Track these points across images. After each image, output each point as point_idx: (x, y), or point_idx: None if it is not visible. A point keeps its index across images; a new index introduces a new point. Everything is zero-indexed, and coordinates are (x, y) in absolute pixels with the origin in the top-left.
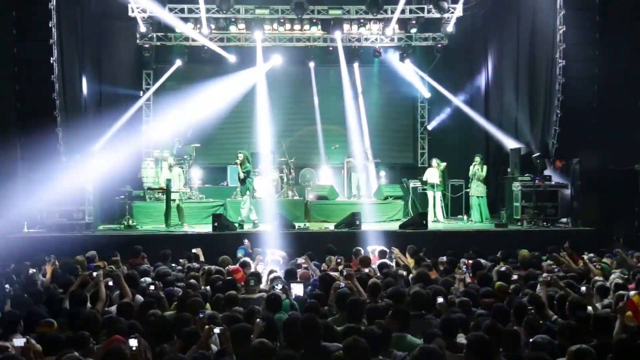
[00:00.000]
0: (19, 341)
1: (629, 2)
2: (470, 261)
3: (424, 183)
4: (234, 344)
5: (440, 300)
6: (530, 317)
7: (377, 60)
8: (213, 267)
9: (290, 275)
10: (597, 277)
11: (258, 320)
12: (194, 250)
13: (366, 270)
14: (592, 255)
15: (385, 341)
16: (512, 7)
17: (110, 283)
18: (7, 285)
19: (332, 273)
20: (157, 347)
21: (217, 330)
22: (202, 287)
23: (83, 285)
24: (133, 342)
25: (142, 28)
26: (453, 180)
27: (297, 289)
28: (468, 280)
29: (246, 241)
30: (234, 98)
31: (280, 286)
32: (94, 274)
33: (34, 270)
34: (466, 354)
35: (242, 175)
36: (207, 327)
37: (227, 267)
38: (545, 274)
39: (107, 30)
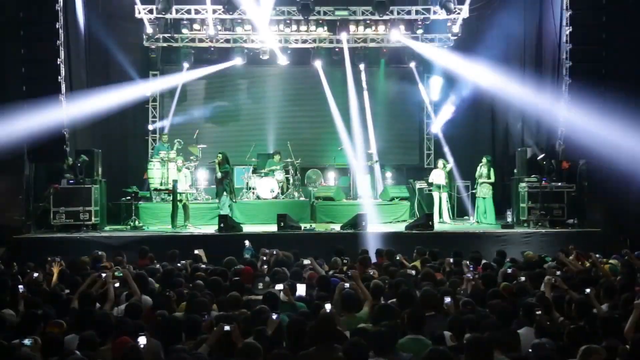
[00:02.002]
0: (26, 341)
1: (635, 1)
2: (473, 262)
3: (430, 184)
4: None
5: (447, 300)
6: (538, 318)
7: (383, 61)
8: (219, 267)
9: (296, 277)
10: (604, 279)
11: (274, 315)
12: (196, 251)
13: (371, 272)
14: (598, 256)
15: (391, 342)
16: (517, 8)
17: (117, 284)
18: (20, 287)
19: (337, 275)
20: (169, 346)
21: (227, 327)
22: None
23: (91, 286)
24: (142, 340)
25: (149, 29)
26: (459, 181)
27: (300, 290)
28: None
29: (247, 242)
30: (239, 99)
31: (281, 286)
32: (103, 274)
33: (37, 274)
34: (465, 354)
35: (219, 176)
36: (219, 324)
37: (235, 268)
38: (549, 276)
39: (114, 31)
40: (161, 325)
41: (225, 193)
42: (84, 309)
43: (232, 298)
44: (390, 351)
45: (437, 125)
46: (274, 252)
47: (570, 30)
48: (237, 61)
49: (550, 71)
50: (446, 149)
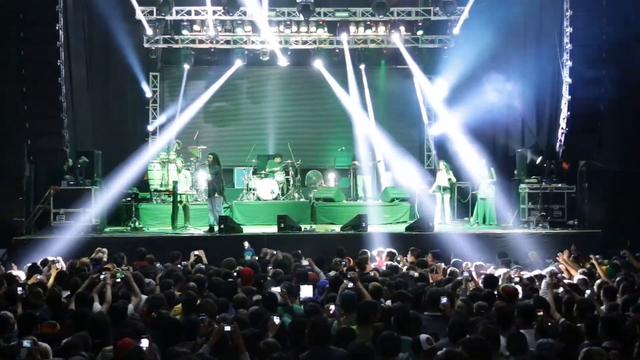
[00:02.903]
0: (25, 342)
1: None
2: (474, 264)
3: (440, 188)
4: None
5: (444, 300)
6: (540, 319)
7: (384, 62)
8: (220, 269)
9: (301, 278)
10: (603, 279)
11: (274, 318)
12: (196, 252)
13: (371, 273)
14: (598, 256)
15: (396, 346)
16: (518, 9)
17: (118, 280)
18: (19, 288)
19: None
20: (167, 348)
21: (227, 328)
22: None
23: (91, 287)
24: (144, 343)
25: (149, 31)
26: (460, 183)
27: (306, 291)
28: (472, 284)
29: (246, 243)
30: (239, 99)
31: (277, 289)
32: (102, 275)
33: (40, 277)
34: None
35: (209, 177)
36: (219, 324)
37: (236, 269)
38: (550, 277)
39: (114, 32)
40: (159, 326)
41: (216, 194)
42: (81, 310)
43: (238, 299)
44: (396, 355)
45: (437, 127)
46: (274, 253)
47: (571, 30)
48: (238, 64)
49: (551, 70)
50: (446, 150)
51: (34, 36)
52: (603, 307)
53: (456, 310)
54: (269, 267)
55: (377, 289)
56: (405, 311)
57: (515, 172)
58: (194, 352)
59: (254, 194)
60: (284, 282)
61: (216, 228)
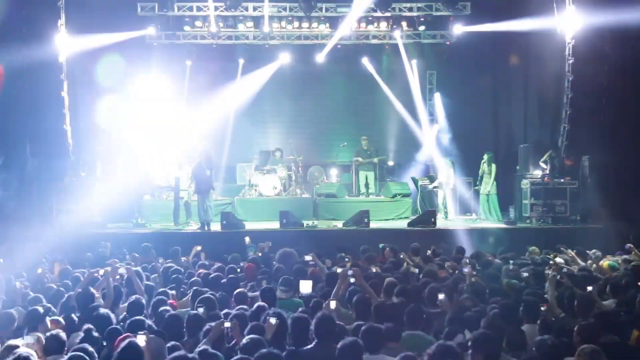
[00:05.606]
0: (29, 338)
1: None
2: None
3: (436, 186)
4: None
5: (441, 296)
6: (543, 315)
7: (386, 58)
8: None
9: (299, 273)
10: (606, 275)
11: (270, 318)
12: (198, 248)
13: (373, 270)
14: (597, 251)
15: (395, 338)
16: (521, 3)
17: (121, 273)
18: (17, 283)
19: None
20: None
21: (227, 324)
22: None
23: (92, 283)
24: (142, 339)
25: (151, 27)
26: (462, 178)
27: (306, 287)
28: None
29: (247, 239)
30: (241, 96)
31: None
32: (101, 271)
33: (41, 271)
34: (472, 352)
35: (208, 173)
36: (218, 321)
37: (240, 265)
38: (553, 272)
39: (115, 28)
40: (163, 322)
41: (212, 190)
42: (83, 307)
43: (238, 295)
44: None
45: (439, 121)
46: (270, 244)
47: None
48: (242, 62)
49: (553, 66)
50: (447, 146)
51: (36, 32)
52: (606, 302)
53: (460, 306)
54: (274, 262)
55: (391, 285)
56: (409, 306)
57: (518, 167)
58: (194, 348)
59: (256, 190)
60: (284, 277)
61: (207, 226)
